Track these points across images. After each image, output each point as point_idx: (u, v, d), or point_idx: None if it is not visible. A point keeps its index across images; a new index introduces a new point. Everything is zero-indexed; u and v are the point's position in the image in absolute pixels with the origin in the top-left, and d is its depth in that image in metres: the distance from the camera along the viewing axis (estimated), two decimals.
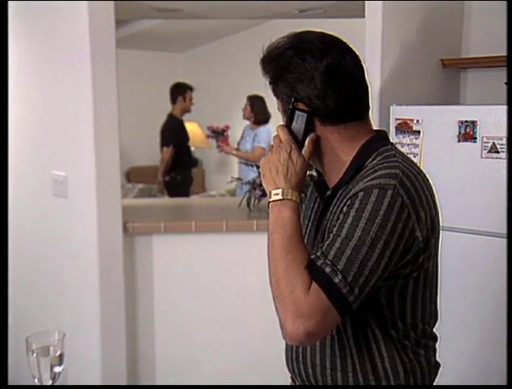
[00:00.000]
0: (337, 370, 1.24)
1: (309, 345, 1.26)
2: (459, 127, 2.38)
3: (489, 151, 2.31)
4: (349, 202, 1.14)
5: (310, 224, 1.35)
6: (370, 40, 2.64)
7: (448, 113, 2.44)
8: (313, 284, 1.08)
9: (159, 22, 5.97)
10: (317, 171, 1.37)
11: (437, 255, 1.31)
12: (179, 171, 5.61)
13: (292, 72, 1.22)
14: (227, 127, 5.29)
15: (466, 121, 2.36)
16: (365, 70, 1.30)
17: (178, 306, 2.88)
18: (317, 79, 1.20)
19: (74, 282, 2.76)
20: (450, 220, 2.44)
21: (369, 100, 1.29)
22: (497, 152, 2.29)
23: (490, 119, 2.31)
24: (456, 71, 2.99)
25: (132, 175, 7.69)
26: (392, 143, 1.30)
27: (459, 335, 2.45)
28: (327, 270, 1.08)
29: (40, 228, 2.94)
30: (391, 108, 2.56)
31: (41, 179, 2.83)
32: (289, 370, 1.36)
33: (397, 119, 2.54)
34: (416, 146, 2.50)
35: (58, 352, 1.28)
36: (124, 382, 2.73)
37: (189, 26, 5.76)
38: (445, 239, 2.46)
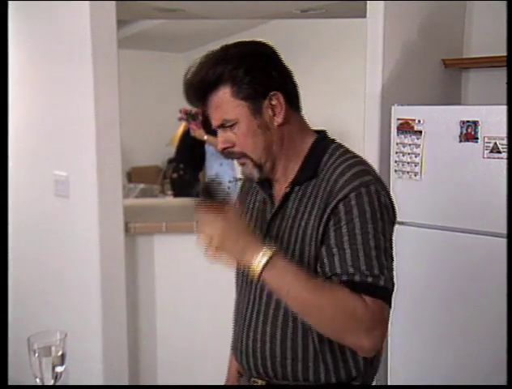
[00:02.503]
0: (298, 361, 1.26)
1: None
2: (461, 127, 2.38)
3: (491, 152, 2.31)
4: (341, 206, 1.18)
5: (253, 224, 1.36)
6: (372, 40, 2.64)
7: (450, 113, 2.44)
8: (366, 298, 1.12)
9: (160, 22, 5.98)
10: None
11: None
12: (189, 170, 5.59)
13: (256, 69, 1.24)
14: (201, 111, 5.24)
15: (467, 122, 2.36)
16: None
17: (180, 306, 2.88)
18: (271, 69, 1.26)
19: (76, 282, 2.76)
20: (451, 220, 2.44)
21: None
22: (499, 152, 2.29)
23: (492, 119, 2.31)
24: (458, 71, 2.99)
25: (133, 175, 7.69)
26: (335, 140, 1.35)
27: (459, 335, 2.45)
28: (369, 280, 1.13)
29: (41, 228, 2.94)
30: (393, 108, 2.56)
31: (43, 179, 2.84)
32: (241, 364, 1.37)
33: (398, 119, 2.54)
34: (418, 146, 2.50)
35: (60, 352, 1.28)
36: (125, 382, 2.73)
37: (190, 26, 5.76)
38: (446, 239, 2.47)
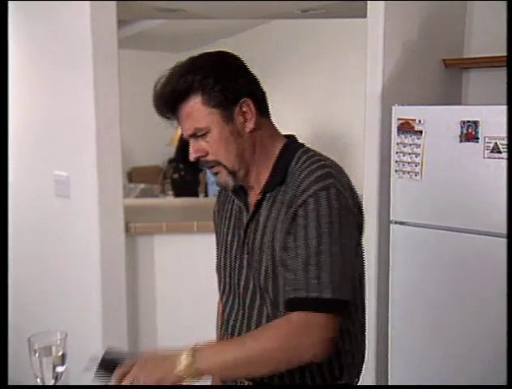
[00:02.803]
0: None
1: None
2: (461, 127, 2.38)
3: (491, 152, 2.31)
4: (301, 211, 1.19)
5: (231, 233, 1.37)
6: (372, 40, 2.64)
7: (450, 113, 2.44)
8: (295, 313, 1.15)
9: (161, 22, 5.98)
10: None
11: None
12: (190, 170, 5.60)
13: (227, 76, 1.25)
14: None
15: (468, 122, 2.36)
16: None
17: (180, 306, 2.88)
18: (240, 77, 1.27)
19: (77, 282, 2.77)
20: (452, 220, 2.44)
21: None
22: (500, 152, 2.29)
23: (492, 119, 2.31)
24: (458, 71, 2.99)
25: (134, 175, 7.70)
26: (303, 144, 1.35)
27: (459, 335, 2.45)
28: (313, 295, 1.14)
29: (42, 228, 2.94)
30: (393, 108, 2.56)
31: (43, 179, 2.84)
32: None
33: (399, 119, 2.54)
34: (418, 146, 2.49)
35: (60, 352, 1.29)
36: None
37: (190, 26, 5.77)
38: (446, 239, 2.47)
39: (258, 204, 1.30)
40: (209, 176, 4.80)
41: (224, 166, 1.28)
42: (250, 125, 1.27)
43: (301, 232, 1.18)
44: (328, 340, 1.16)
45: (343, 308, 1.19)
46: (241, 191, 1.36)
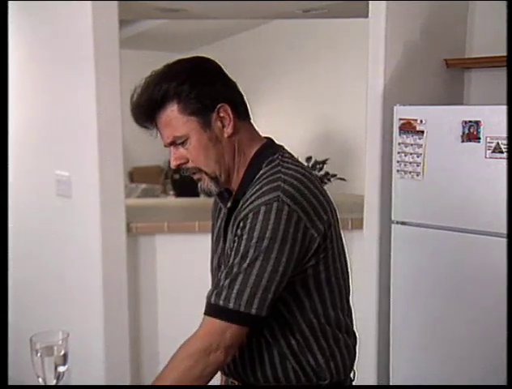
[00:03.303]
0: (265, 364, 1.30)
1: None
2: (463, 127, 2.38)
3: (493, 152, 2.31)
4: (241, 224, 1.20)
5: (217, 235, 1.39)
6: (374, 40, 2.64)
7: (452, 113, 2.43)
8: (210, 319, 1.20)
9: (162, 22, 5.98)
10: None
11: (341, 237, 1.35)
12: None
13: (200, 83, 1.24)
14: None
15: (470, 122, 2.36)
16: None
17: (181, 306, 2.88)
18: (216, 81, 1.27)
19: (78, 281, 2.77)
20: (453, 220, 2.44)
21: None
22: (501, 152, 2.28)
23: (494, 119, 2.31)
24: (460, 71, 2.99)
25: (135, 175, 7.70)
26: (280, 148, 1.33)
27: (460, 335, 2.45)
28: (221, 303, 1.18)
29: (43, 227, 2.94)
30: (395, 108, 2.56)
31: (45, 179, 2.84)
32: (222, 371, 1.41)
33: (400, 119, 2.54)
34: (420, 146, 2.49)
35: (62, 352, 1.29)
36: (127, 382, 2.73)
37: (192, 26, 5.77)
38: (448, 239, 2.47)
39: (231, 210, 1.30)
40: None
41: (205, 172, 1.28)
42: (229, 130, 1.27)
43: (236, 243, 1.20)
44: (227, 348, 1.19)
45: (250, 322, 1.19)
46: (226, 194, 1.36)
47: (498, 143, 2.29)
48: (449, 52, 2.89)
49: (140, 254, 2.83)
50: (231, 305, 1.17)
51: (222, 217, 1.39)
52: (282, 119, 6.52)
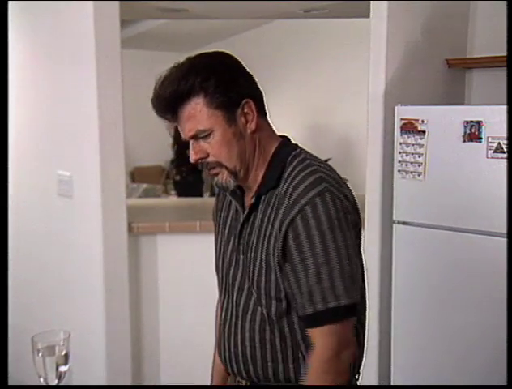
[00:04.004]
0: (278, 363, 1.30)
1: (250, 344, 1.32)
2: (464, 127, 2.38)
3: (495, 152, 2.30)
4: (300, 220, 1.19)
5: (227, 233, 1.38)
6: (375, 40, 2.64)
7: (453, 113, 2.43)
8: (323, 328, 1.20)
9: (163, 22, 5.98)
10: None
11: None
12: (190, 172, 5.60)
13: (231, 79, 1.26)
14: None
15: (471, 122, 2.36)
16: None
17: (182, 306, 2.88)
18: (240, 77, 1.28)
19: (79, 281, 2.77)
20: (455, 220, 2.44)
21: None
22: (503, 152, 2.28)
23: (495, 119, 2.30)
24: (461, 71, 2.99)
25: (136, 175, 7.71)
26: (297, 145, 1.35)
27: (460, 334, 2.45)
28: (331, 305, 1.19)
29: (44, 227, 2.95)
30: (396, 108, 2.56)
31: (46, 179, 2.84)
32: (226, 367, 1.40)
33: (402, 119, 2.54)
34: (421, 146, 2.49)
35: (64, 352, 1.29)
36: (128, 382, 2.73)
37: (193, 26, 5.77)
38: (449, 239, 2.47)
39: (253, 207, 1.30)
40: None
41: (226, 167, 1.27)
42: (252, 126, 1.27)
43: (305, 242, 1.19)
44: (354, 343, 1.23)
45: (356, 310, 1.22)
46: (238, 192, 1.36)
47: (500, 143, 2.29)
48: (450, 52, 2.89)
49: (141, 254, 2.83)
50: (332, 304, 1.18)
51: (233, 214, 1.38)
52: (282, 119, 6.51)
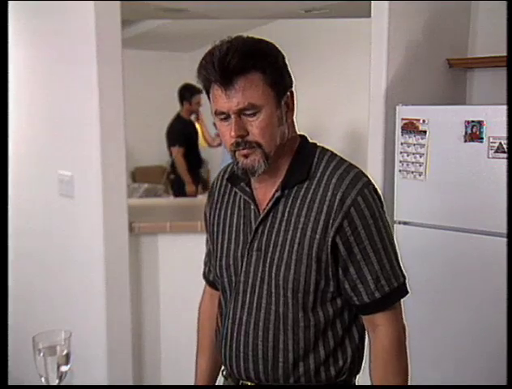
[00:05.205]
0: (289, 363, 1.29)
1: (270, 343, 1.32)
2: (466, 127, 2.38)
3: (496, 152, 2.30)
4: (354, 212, 1.24)
5: (235, 230, 1.36)
6: (376, 39, 2.64)
7: (454, 112, 2.43)
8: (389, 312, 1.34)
9: (165, 22, 5.98)
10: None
11: None
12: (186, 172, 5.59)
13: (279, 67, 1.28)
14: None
15: (472, 121, 2.36)
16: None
17: (184, 305, 2.87)
18: (287, 67, 1.31)
19: (80, 281, 2.77)
20: (456, 220, 2.44)
21: None
22: (504, 152, 2.28)
23: (497, 119, 2.30)
24: (462, 71, 2.99)
25: (138, 175, 7.71)
26: (316, 143, 1.39)
27: (460, 334, 2.45)
28: (396, 285, 1.32)
29: (45, 227, 2.95)
30: (397, 108, 2.56)
31: (47, 179, 2.84)
32: (229, 368, 1.37)
33: (403, 119, 2.54)
34: (422, 146, 2.49)
35: (65, 352, 1.29)
36: (129, 382, 2.73)
37: (195, 26, 5.76)
38: (450, 239, 2.46)
39: (276, 200, 1.29)
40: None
41: (263, 149, 1.25)
42: (291, 115, 1.31)
43: (363, 232, 1.25)
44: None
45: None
46: (244, 185, 1.35)
47: (501, 143, 2.29)
48: (451, 51, 2.89)
49: (142, 254, 2.83)
50: (395, 284, 1.30)
51: (239, 211, 1.36)
52: None
